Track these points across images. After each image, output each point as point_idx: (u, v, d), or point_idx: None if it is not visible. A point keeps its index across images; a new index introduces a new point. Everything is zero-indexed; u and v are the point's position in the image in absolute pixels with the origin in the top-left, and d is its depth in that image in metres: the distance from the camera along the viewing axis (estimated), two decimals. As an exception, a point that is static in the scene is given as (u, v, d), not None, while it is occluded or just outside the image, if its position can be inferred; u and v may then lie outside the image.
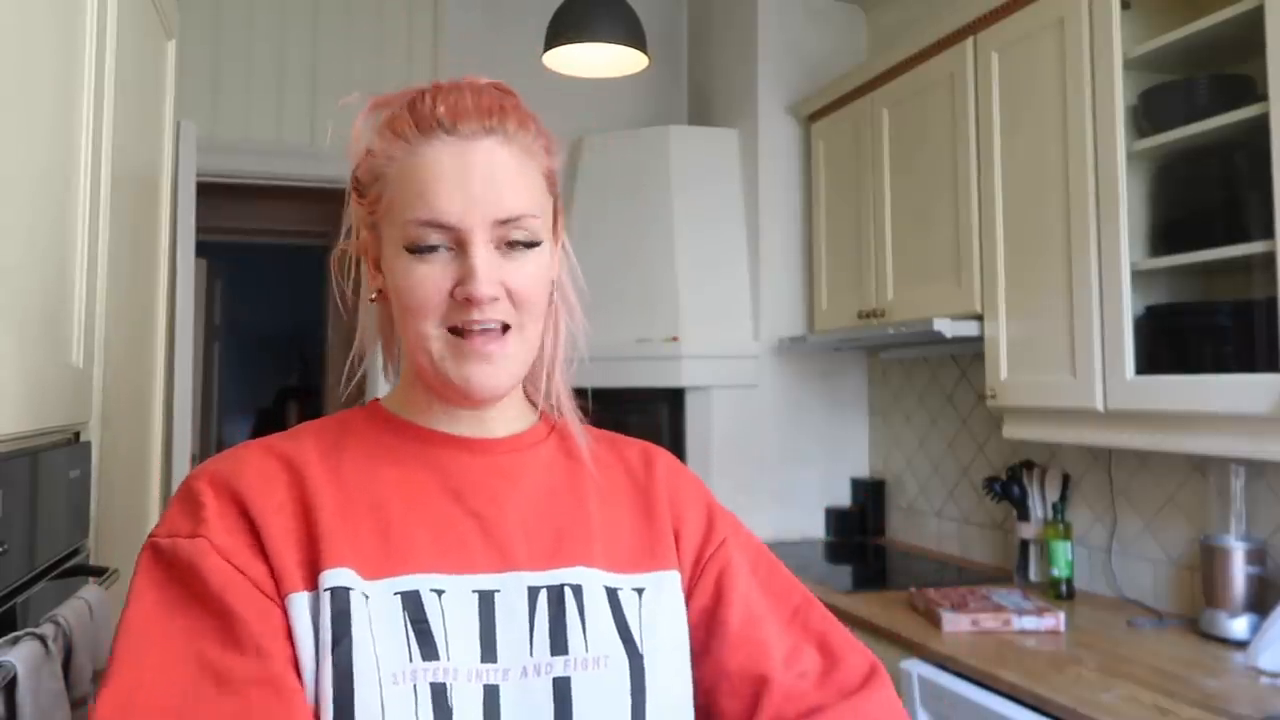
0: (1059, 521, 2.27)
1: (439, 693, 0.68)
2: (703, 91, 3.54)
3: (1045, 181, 2.05)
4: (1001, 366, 2.19)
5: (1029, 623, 1.95)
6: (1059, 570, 2.23)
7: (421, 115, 0.75)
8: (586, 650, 0.73)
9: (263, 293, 6.55)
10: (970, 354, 2.68)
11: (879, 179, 2.69)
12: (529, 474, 0.81)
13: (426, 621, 0.70)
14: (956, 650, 1.83)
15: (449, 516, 0.76)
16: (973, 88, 2.29)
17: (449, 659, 0.70)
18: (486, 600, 0.73)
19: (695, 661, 0.81)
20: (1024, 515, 2.39)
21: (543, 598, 0.74)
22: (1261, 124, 1.61)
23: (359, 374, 0.85)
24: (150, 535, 0.72)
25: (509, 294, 0.75)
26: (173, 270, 2.12)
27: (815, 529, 3.13)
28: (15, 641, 0.88)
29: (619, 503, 0.84)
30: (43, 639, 0.92)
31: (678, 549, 0.84)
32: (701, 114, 3.53)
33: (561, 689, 0.72)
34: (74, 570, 1.23)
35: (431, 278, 0.74)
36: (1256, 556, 1.83)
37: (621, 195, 3.24)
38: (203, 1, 3.04)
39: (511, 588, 0.74)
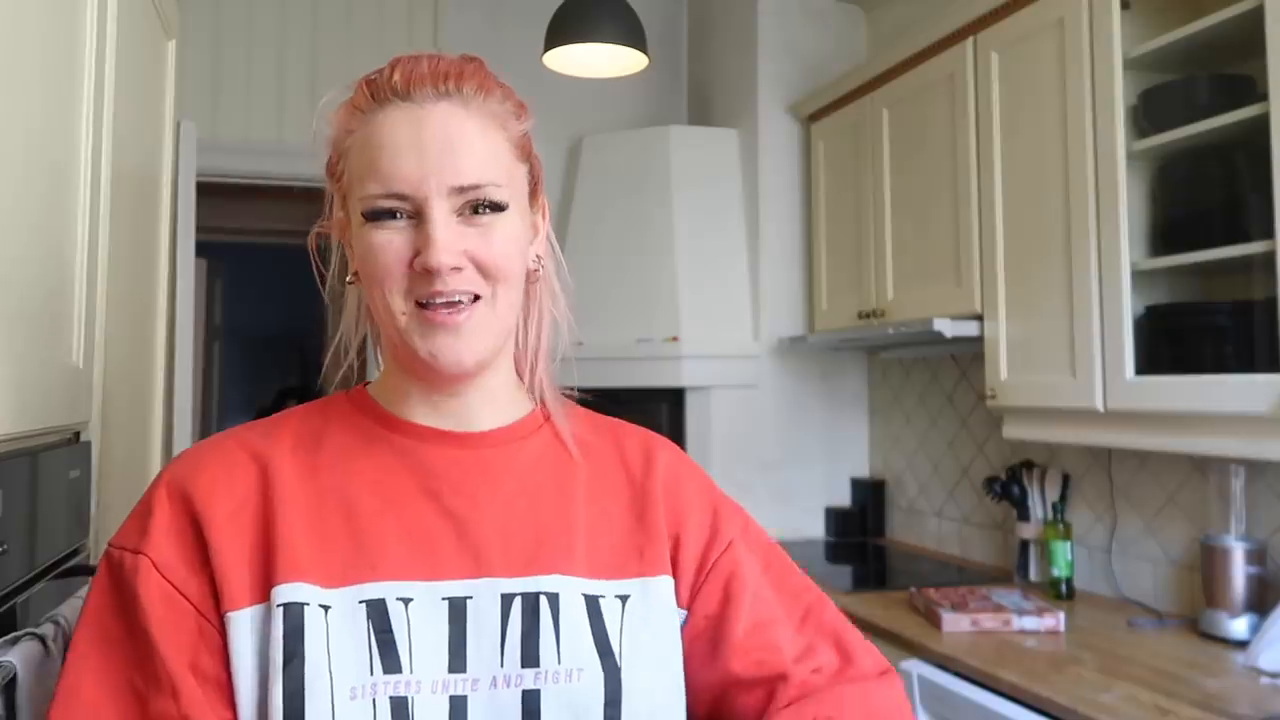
0: (1059, 521, 2.27)
1: (399, 706, 0.67)
2: (703, 91, 3.54)
3: (1045, 181, 2.05)
4: (1001, 366, 2.19)
5: (1029, 623, 1.95)
6: (1059, 570, 2.23)
7: (378, 86, 0.73)
8: (559, 663, 0.71)
9: (263, 293, 6.53)
10: (970, 354, 2.68)
11: (879, 179, 2.69)
12: (513, 470, 0.78)
13: (391, 632, 0.69)
14: (956, 650, 1.83)
15: (423, 519, 0.74)
16: (973, 88, 2.29)
17: (412, 671, 0.68)
18: (457, 608, 0.71)
19: (702, 668, 0.79)
20: (1024, 515, 2.39)
21: (516, 606, 0.72)
22: (1261, 124, 1.61)
23: (348, 360, 0.83)
24: (110, 540, 0.73)
25: (476, 264, 0.72)
26: (173, 270, 2.12)
27: (815, 529, 3.13)
28: (15, 641, 0.88)
29: (610, 501, 0.81)
30: (42, 639, 0.91)
31: (679, 553, 0.80)
32: (701, 114, 3.53)
33: (530, 702, 0.70)
34: (74, 570, 1.23)
35: (391, 246, 0.71)
36: (1256, 556, 1.83)
37: (621, 195, 3.24)
38: (203, 1, 3.04)
39: (484, 595, 0.72)
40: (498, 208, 0.73)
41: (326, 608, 0.68)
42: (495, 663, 0.70)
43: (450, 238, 0.71)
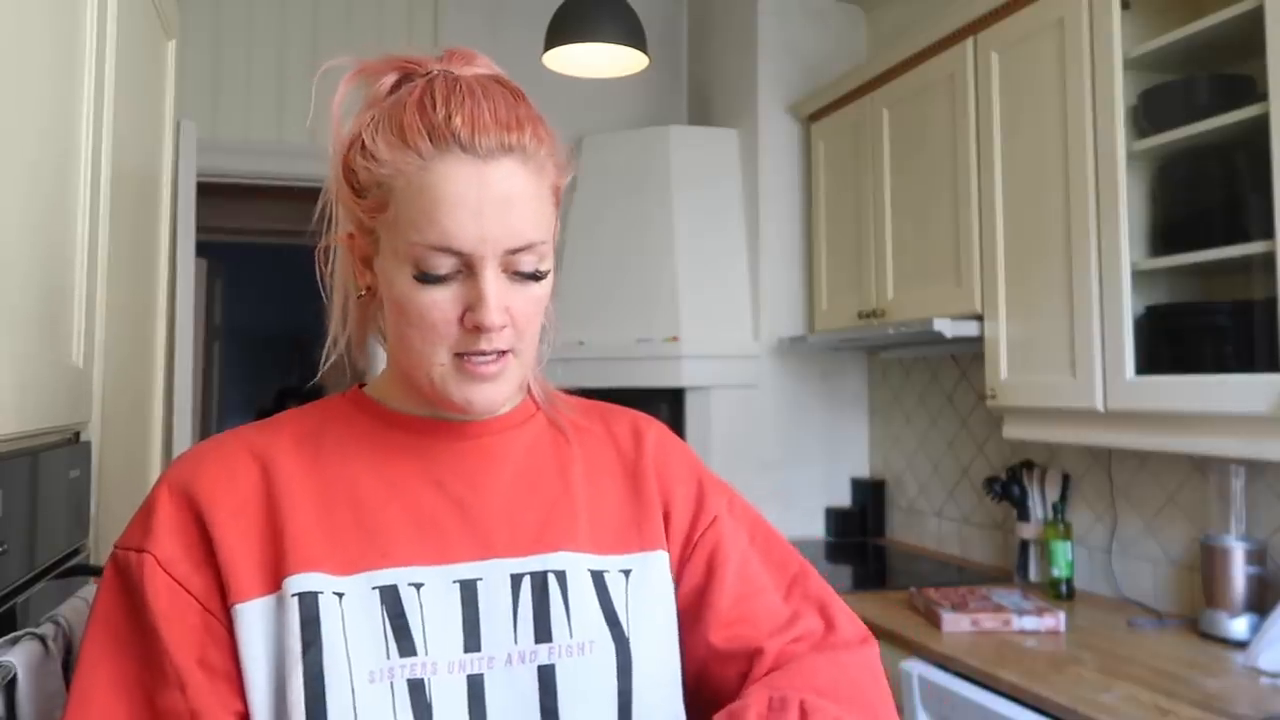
0: (1059, 521, 2.27)
1: (416, 688, 0.69)
2: (703, 91, 3.54)
3: (1045, 181, 2.05)
4: (1001, 366, 2.19)
5: (1029, 623, 1.95)
6: (1059, 570, 2.23)
7: (435, 126, 0.70)
8: (571, 637, 0.73)
9: (263, 293, 6.54)
10: (970, 354, 2.68)
11: (879, 179, 2.69)
12: (511, 456, 0.81)
13: (404, 616, 0.71)
14: (956, 650, 1.83)
15: (429, 505, 0.76)
16: (973, 88, 2.29)
17: (427, 653, 0.70)
18: (469, 589, 0.73)
19: (685, 640, 0.81)
20: (1024, 515, 2.39)
21: (525, 585, 0.74)
22: (1261, 124, 1.61)
23: (331, 360, 0.83)
24: (115, 543, 0.73)
25: (514, 320, 0.73)
26: (173, 270, 2.12)
27: (815, 529, 3.13)
28: (15, 641, 0.88)
29: (606, 481, 0.83)
30: (43, 639, 0.91)
31: (668, 528, 0.83)
32: (701, 114, 3.53)
33: (546, 676, 0.72)
34: (74, 570, 1.22)
35: (441, 305, 0.71)
36: (1256, 556, 1.83)
37: (621, 195, 3.24)
38: (203, 1, 3.05)
39: (493, 576, 0.74)
40: (542, 275, 0.75)
41: (340, 595, 0.70)
42: (509, 640, 0.72)
43: (500, 296, 0.72)
